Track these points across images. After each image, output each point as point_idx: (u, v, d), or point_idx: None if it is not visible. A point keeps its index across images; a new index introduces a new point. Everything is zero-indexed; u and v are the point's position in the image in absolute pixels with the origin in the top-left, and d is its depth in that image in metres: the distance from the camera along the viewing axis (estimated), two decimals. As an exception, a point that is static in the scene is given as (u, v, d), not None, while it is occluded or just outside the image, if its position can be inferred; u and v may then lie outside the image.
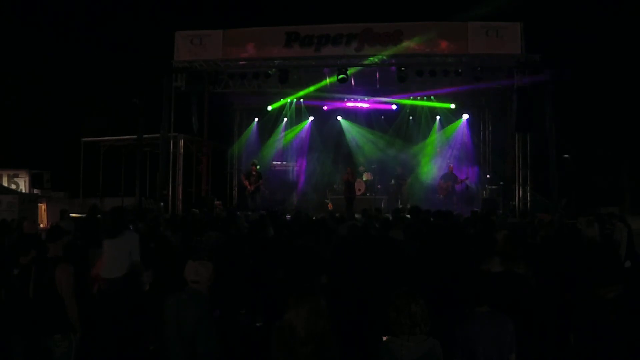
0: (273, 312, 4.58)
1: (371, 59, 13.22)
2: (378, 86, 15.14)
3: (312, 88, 15.61)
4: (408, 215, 9.84)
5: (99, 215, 8.46)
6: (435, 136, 17.94)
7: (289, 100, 17.68)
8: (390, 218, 8.92)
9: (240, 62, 13.92)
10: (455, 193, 15.50)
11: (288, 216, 11.08)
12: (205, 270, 3.80)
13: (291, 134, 18.65)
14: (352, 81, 14.78)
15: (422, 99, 17.07)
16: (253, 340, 4.58)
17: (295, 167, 18.44)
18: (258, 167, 16.34)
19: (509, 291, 3.75)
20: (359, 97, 17.13)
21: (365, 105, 17.58)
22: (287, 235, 6.75)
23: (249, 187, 15.39)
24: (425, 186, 16.89)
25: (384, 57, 13.15)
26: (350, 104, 17.62)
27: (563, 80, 13.62)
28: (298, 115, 18.44)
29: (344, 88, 15.10)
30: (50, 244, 4.82)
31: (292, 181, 18.14)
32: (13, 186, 16.56)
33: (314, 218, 9.35)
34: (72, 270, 4.39)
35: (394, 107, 17.56)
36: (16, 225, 8.16)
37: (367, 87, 15.58)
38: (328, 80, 14.75)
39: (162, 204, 13.94)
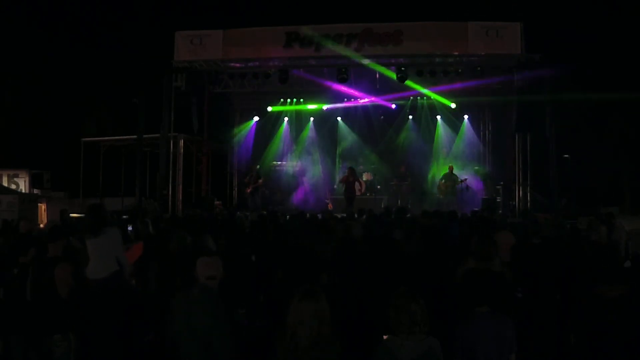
0: (273, 312, 4.59)
1: (370, 64, 13.19)
2: (378, 86, 15.15)
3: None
4: (408, 215, 9.85)
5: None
6: (441, 137, 17.87)
7: (287, 107, 17.81)
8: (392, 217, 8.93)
9: (240, 62, 13.92)
10: (456, 193, 15.50)
11: (288, 216, 11.08)
12: (219, 265, 3.80)
13: (294, 134, 18.68)
14: (352, 81, 14.80)
15: (422, 98, 17.09)
16: (253, 340, 4.57)
17: (295, 167, 18.45)
18: (258, 167, 16.38)
19: (489, 288, 3.69)
20: (359, 99, 17.13)
21: (364, 100, 17.44)
22: (288, 235, 6.75)
23: (248, 187, 15.43)
24: (425, 186, 16.89)
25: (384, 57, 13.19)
26: (350, 102, 17.60)
27: (563, 79, 13.61)
28: (298, 115, 18.46)
29: (343, 87, 15.12)
30: (50, 243, 4.81)
31: (292, 181, 18.14)
32: (13, 186, 16.54)
33: (317, 217, 9.36)
34: (72, 269, 4.38)
35: (393, 106, 17.54)
36: (15, 226, 8.16)
37: (367, 86, 15.58)
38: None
39: (159, 203, 13.93)
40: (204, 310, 3.56)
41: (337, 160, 18.25)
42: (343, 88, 15.39)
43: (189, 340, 3.54)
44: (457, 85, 14.67)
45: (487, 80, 14.05)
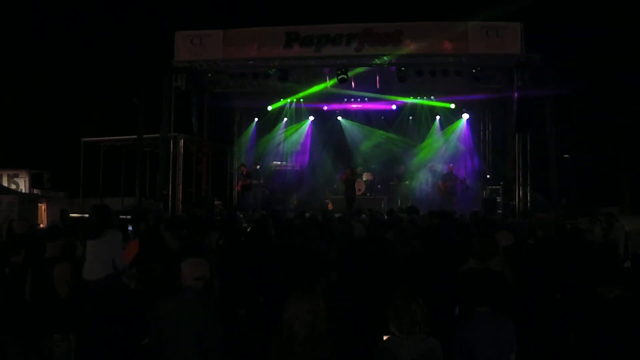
0: (273, 312, 4.59)
1: (373, 61, 13.19)
2: (378, 87, 15.13)
3: (312, 90, 15.60)
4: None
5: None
6: (434, 137, 17.95)
7: (289, 100, 17.68)
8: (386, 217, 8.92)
9: (240, 62, 13.91)
10: (456, 193, 15.51)
11: (288, 216, 11.06)
12: (207, 266, 3.76)
13: (290, 133, 18.65)
14: (352, 83, 14.78)
15: (422, 99, 17.11)
16: (252, 340, 4.57)
17: (296, 167, 18.45)
18: (258, 167, 16.37)
19: (489, 288, 3.69)
20: (359, 99, 17.09)
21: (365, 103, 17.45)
22: (289, 235, 6.74)
23: (237, 186, 15.50)
24: (424, 186, 16.91)
25: (384, 58, 13.13)
26: (351, 105, 17.59)
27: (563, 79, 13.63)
28: (298, 115, 18.46)
29: (344, 87, 15.09)
30: (49, 243, 4.80)
31: (292, 181, 18.14)
32: (13, 186, 16.56)
33: (317, 217, 9.35)
34: (71, 269, 4.37)
35: (393, 107, 17.55)
36: (8, 228, 8.13)
37: (367, 88, 15.57)
38: (329, 83, 14.71)
39: (161, 204, 13.92)
40: (197, 312, 3.49)
41: (337, 159, 18.25)
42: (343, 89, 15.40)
43: (181, 343, 3.46)
44: (457, 85, 14.68)
45: (487, 80, 14.05)
